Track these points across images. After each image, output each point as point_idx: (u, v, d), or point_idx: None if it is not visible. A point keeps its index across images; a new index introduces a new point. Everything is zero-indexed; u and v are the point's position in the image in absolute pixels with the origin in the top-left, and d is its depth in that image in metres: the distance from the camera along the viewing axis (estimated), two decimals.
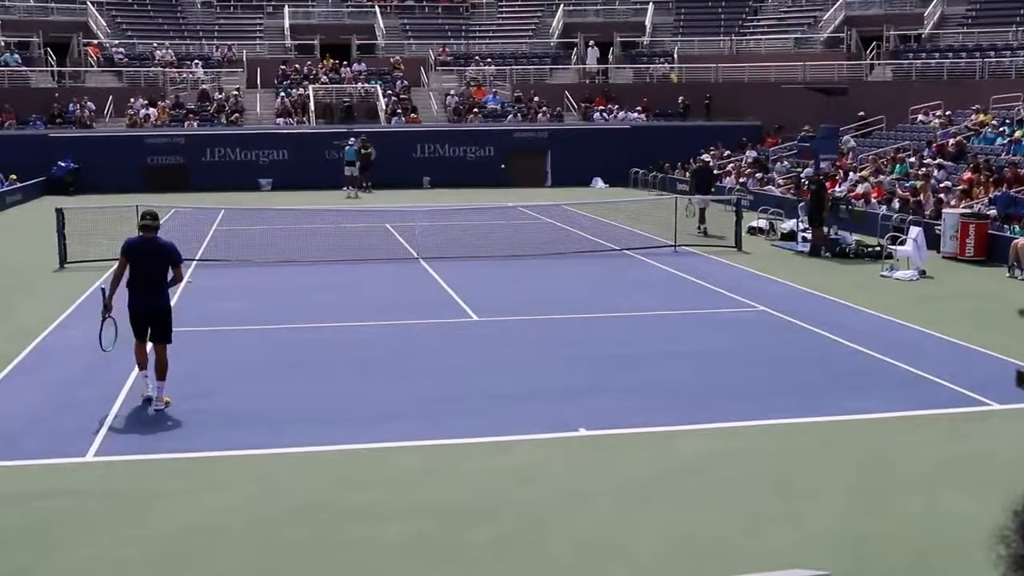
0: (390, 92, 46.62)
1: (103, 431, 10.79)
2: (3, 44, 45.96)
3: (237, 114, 44.50)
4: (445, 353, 14.54)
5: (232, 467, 9.82)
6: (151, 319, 11.77)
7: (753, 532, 8.28)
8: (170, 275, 11.81)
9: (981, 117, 33.11)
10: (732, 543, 8.06)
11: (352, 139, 39.07)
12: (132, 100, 43.92)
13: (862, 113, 39.84)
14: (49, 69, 45.97)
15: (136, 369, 12.15)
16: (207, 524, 8.46)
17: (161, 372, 11.74)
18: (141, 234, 11.88)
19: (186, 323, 16.22)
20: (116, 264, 12.18)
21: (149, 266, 11.72)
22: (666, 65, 48.88)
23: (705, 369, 13.41)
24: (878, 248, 22.69)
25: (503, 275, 21.06)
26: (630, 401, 11.97)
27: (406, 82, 47.72)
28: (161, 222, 12.06)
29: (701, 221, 27.32)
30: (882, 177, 29.68)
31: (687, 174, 34.22)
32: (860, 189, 29.07)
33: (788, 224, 26.58)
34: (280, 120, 44.31)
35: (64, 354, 14.27)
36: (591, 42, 49.32)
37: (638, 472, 9.69)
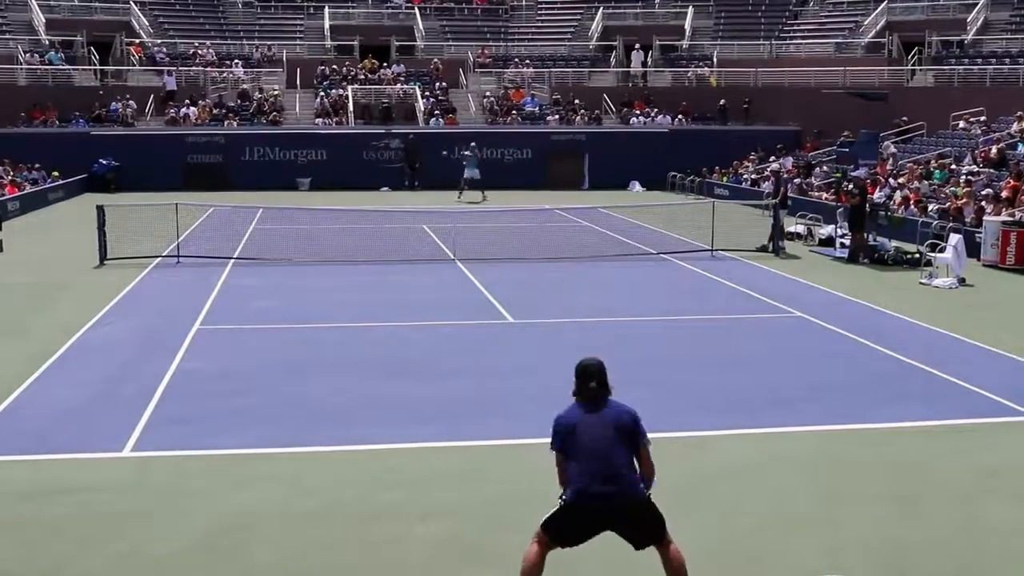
0: (428, 93, 46.75)
1: (140, 427, 10.88)
2: (47, 43, 46.54)
3: (276, 114, 44.79)
4: (479, 355, 14.55)
5: (264, 465, 9.87)
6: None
7: (786, 539, 8.22)
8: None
9: None
10: (765, 550, 8.02)
11: (467, 150, 38.50)
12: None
13: (904, 119, 39.53)
14: (92, 68, 46.46)
15: None
16: (238, 521, 8.50)
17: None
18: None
19: (221, 321, 16.41)
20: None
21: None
22: (705, 69, 48.70)
23: (740, 374, 13.34)
24: (917, 255, 22.49)
25: (539, 278, 21.04)
26: (664, 405, 11.90)
27: (444, 83, 47.86)
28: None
29: (778, 237, 24.50)
30: (916, 184, 29.35)
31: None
32: (899, 196, 28.81)
33: (826, 229, 26.39)
34: (319, 120, 44.54)
35: (103, 350, 14.42)
36: (636, 45, 49.19)
37: (670, 477, 9.60)
